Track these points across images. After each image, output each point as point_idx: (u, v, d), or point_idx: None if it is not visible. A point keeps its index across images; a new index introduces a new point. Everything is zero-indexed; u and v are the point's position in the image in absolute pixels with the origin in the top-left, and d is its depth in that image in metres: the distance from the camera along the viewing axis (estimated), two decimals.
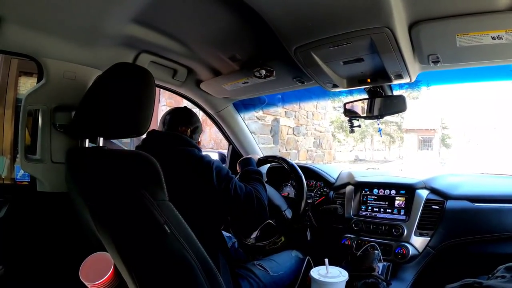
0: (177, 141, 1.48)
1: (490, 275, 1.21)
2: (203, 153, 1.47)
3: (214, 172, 1.38)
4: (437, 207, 1.76)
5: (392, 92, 1.67)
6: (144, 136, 1.39)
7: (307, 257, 1.70)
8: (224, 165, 1.49)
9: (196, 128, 1.62)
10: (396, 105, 1.65)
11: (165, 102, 4.98)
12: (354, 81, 1.59)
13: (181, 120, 1.58)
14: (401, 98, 1.64)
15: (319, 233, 2.00)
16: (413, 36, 1.21)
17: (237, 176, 1.65)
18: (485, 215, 1.66)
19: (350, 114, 1.81)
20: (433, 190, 1.84)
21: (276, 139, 6.28)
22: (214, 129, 3.95)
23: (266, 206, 1.50)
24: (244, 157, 1.91)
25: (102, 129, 1.13)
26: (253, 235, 1.80)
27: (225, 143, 2.56)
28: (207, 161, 1.41)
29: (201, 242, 1.04)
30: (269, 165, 2.31)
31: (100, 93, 1.11)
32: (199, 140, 1.68)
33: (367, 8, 1.07)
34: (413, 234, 1.73)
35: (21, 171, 1.72)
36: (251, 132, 2.46)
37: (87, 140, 1.38)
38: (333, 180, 2.20)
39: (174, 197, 1.00)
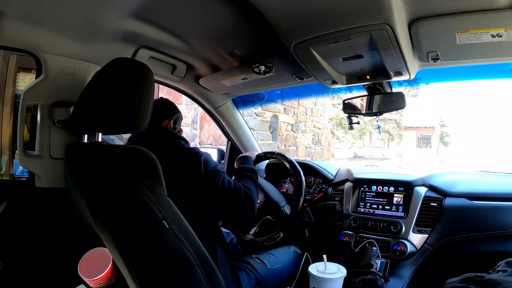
0: (163, 135, 1.49)
1: (491, 270, 1.22)
2: (195, 147, 1.49)
3: (202, 165, 1.38)
4: (436, 204, 1.77)
5: (391, 89, 1.68)
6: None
7: (306, 253, 1.70)
8: (214, 159, 1.48)
9: (177, 118, 1.62)
10: (395, 102, 1.65)
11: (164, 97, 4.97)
12: (353, 78, 1.59)
13: (163, 114, 1.57)
14: (400, 95, 1.64)
15: (318, 230, 2.00)
16: (412, 33, 1.21)
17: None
18: (483, 213, 1.67)
19: (349, 110, 1.81)
20: (431, 188, 1.85)
21: (275, 136, 6.29)
22: (213, 125, 3.96)
23: (255, 204, 1.48)
24: (242, 154, 1.89)
25: (100, 124, 1.13)
26: (252, 231, 1.81)
27: (224, 139, 2.57)
28: (195, 153, 1.40)
29: (200, 237, 1.04)
30: (268, 161, 2.31)
31: (99, 88, 1.11)
32: (181, 128, 1.68)
33: (367, 4, 1.07)
34: (411, 231, 1.74)
35: (20, 167, 1.72)
36: (250, 129, 2.46)
37: (86, 136, 1.38)
38: (331, 177, 2.20)
39: (168, 192, 1.00)
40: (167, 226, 0.94)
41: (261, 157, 2.03)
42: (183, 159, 1.39)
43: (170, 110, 1.60)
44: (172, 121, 1.58)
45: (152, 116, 1.48)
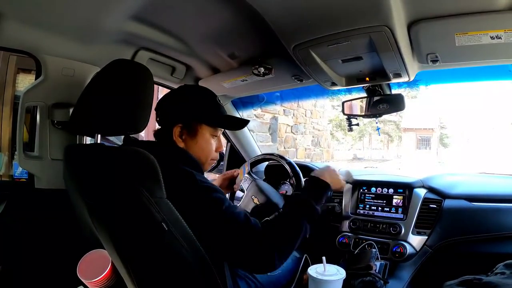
0: (167, 153, 1.16)
1: (489, 273, 1.22)
2: (204, 180, 1.16)
3: (213, 203, 1.10)
4: (435, 206, 1.76)
5: (390, 91, 1.68)
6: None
7: (305, 255, 1.69)
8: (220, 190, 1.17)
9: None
10: (394, 104, 1.65)
11: None
12: (352, 80, 1.59)
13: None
14: (399, 97, 1.64)
15: (317, 231, 2.00)
16: (412, 35, 1.21)
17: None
18: (483, 215, 1.66)
19: (349, 112, 1.81)
20: (431, 189, 1.84)
21: (275, 137, 6.29)
22: None
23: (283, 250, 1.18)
24: (322, 172, 1.41)
25: (100, 126, 1.13)
26: None
27: (223, 140, 2.56)
28: (204, 190, 1.11)
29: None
30: (267, 163, 2.31)
31: (98, 90, 1.11)
32: None
33: (367, 6, 1.07)
34: (410, 233, 1.73)
35: (19, 168, 1.72)
36: (249, 130, 2.46)
37: (85, 137, 1.39)
38: None
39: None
40: (166, 229, 0.94)
41: (260, 159, 2.02)
42: (189, 192, 1.10)
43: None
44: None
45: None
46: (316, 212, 1.28)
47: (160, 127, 1.33)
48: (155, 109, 1.30)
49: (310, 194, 1.32)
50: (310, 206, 1.27)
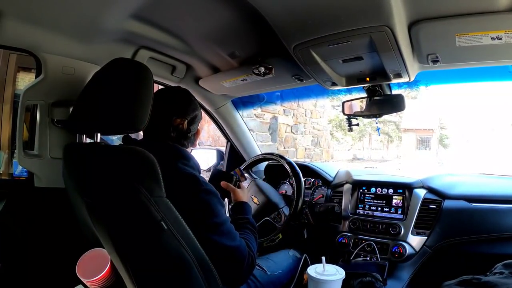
0: (166, 152, 1.21)
1: (488, 272, 1.22)
2: (200, 175, 1.20)
3: (211, 207, 1.15)
4: (434, 206, 1.76)
5: (391, 91, 1.68)
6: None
7: (304, 255, 1.69)
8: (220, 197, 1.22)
9: (194, 117, 1.36)
10: (394, 104, 1.65)
11: None
12: (353, 80, 1.59)
13: (175, 109, 1.31)
14: (399, 97, 1.64)
15: (316, 231, 2.00)
16: (412, 35, 1.21)
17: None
18: (482, 215, 1.66)
19: (349, 112, 1.81)
20: (430, 190, 1.84)
21: (274, 137, 6.29)
22: (213, 126, 3.96)
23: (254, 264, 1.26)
24: (240, 201, 1.50)
25: (99, 124, 1.12)
26: None
27: (223, 140, 2.56)
28: (205, 193, 1.16)
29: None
30: (267, 162, 2.31)
31: (98, 88, 1.11)
32: (198, 129, 1.40)
33: (367, 6, 1.07)
34: (410, 233, 1.73)
35: (19, 167, 1.72)
36: (249, 130, 2.45)
37: (84, 136, 1.38)
38: (330, 179, 2.20)
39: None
40: (165, 227, 0.94)
41: (260, 159, 2.02)
42: (188, 192, 1.14)
43: (186, 105, 1.34)
44: (187, 121, 1.32)
45: (160, 110, 1.24)
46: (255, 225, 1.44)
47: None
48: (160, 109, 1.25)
49: (246, 213, 1.46)
50: (251, 222, 1.42)
